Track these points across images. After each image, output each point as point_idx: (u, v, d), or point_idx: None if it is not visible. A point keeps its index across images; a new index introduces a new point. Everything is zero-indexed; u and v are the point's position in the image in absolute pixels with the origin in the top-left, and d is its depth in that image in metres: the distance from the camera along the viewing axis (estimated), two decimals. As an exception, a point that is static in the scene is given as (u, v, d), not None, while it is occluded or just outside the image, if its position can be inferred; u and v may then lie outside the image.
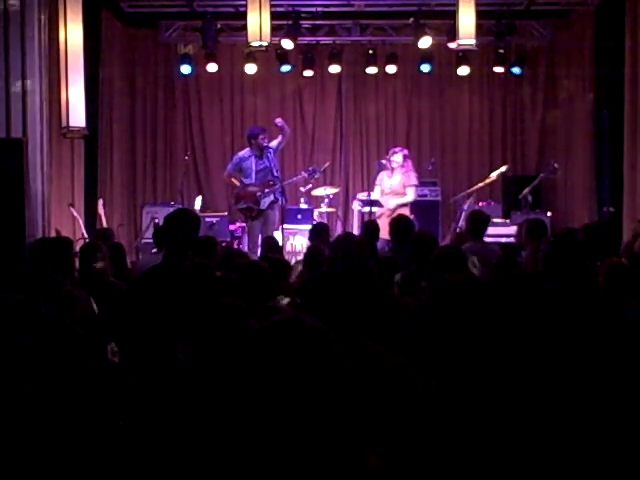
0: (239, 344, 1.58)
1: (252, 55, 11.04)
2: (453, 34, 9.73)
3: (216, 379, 2.74)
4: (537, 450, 2.06)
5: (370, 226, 7.97)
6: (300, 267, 6.08)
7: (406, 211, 9.71)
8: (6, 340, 2.71)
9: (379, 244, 7.33)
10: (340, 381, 1.62)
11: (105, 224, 9.83)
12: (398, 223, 6.96)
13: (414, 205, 10.20)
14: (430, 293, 2.32)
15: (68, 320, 3.72)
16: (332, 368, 1.61)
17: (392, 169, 9.99)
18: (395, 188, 9.95)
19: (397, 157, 9.98)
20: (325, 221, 10.79)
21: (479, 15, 9.28)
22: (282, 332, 1.64)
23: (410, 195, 9.95)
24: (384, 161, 10.14)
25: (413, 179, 10.01)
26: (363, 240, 6.39)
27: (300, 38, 11.16)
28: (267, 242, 7.75)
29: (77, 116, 8.69)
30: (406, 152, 10.17)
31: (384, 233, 7.91)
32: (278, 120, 9.99)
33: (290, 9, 10.78)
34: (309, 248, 6.31)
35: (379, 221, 8.90)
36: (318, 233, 7.32)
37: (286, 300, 4.65)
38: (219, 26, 11.03)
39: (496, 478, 2.04)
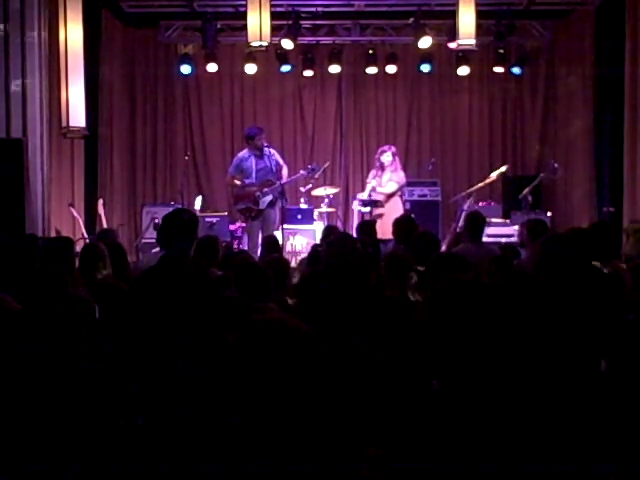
0: (221, 347, 1.60)
1: (252, 55, 11.03)
2: (453, 34, 9.74)
3: (215, 379, 2.74)
4: (540, 449, 2.06)
5: (366, 226, 7.95)
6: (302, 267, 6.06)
7: (399, 208, 9.78)
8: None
9: (390, 244, 7.30)
10: (324, 379, 1.62)
11: (105, 224, 9.83)
12: (401, 223, 6.93)
13: (414, 205, 10.18)
14: (434, 293, 2.32)
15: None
16: (315, 368, 1.62)
17: (382, 168, 10.05)
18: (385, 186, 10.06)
19: (387, 156, 10.05)
20: (325, 221, 10.80)
21: (479, 15, 9.30)
22: (262, 333, 1.65)
23: (390, 188, 10.00)
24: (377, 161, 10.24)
25: (400, 178, 10.10)
26: (361, 240, 6.38)
27: (300, 38, 11.17)
28: (267, 242, 7.73)
29: (77, 116, 8.70)
30: (394, 150, 10.25)
31: (380, 233, 7.92)
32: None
33: (290, 9, 10.78)
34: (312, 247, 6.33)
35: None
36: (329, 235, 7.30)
37: (291, 302, 4.63)
38: (219, 26, 11.04)
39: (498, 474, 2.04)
